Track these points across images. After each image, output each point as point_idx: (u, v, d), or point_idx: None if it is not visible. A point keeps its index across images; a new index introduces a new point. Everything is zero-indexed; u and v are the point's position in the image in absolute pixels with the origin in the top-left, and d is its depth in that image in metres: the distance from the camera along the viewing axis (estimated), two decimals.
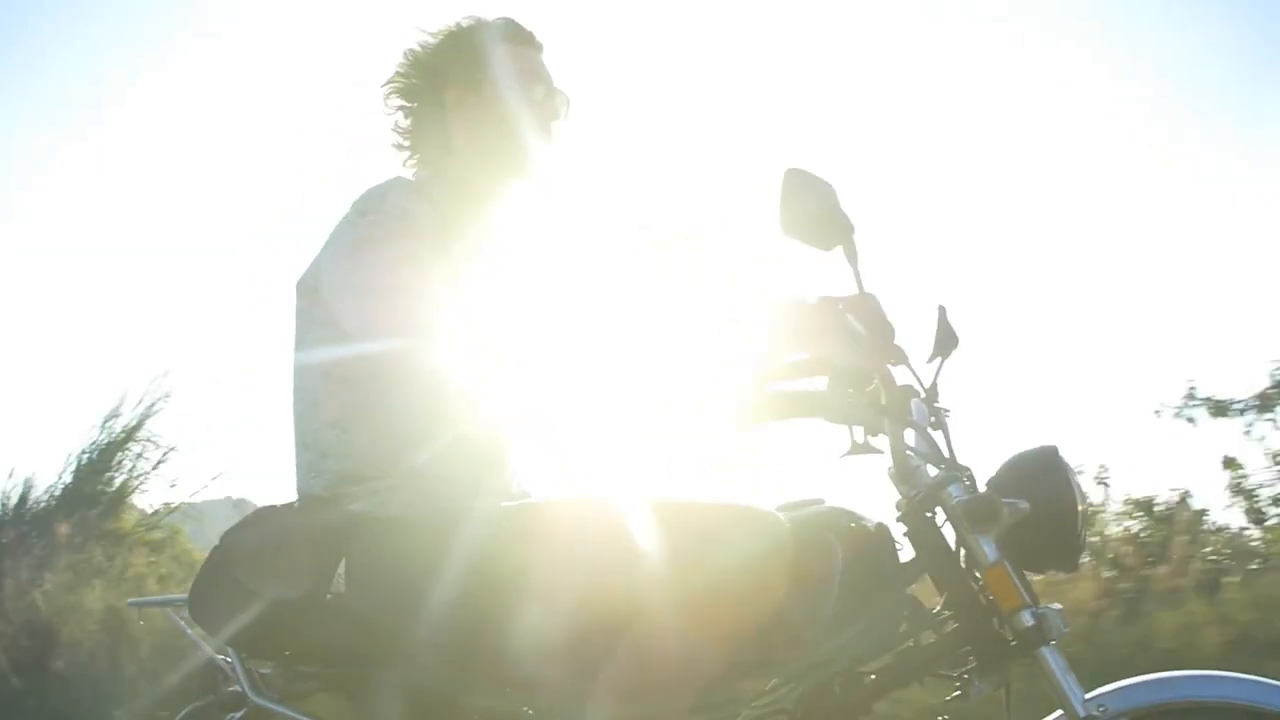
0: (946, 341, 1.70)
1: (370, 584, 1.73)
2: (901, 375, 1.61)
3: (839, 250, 1.55)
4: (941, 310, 1.69)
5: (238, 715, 1.92)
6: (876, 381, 1.59)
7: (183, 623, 2.02)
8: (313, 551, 1.77)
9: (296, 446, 1.86)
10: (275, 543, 1.76)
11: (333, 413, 1.81)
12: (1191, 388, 5.13)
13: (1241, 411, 4.92)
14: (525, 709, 1.69)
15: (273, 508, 1.82)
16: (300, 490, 1.85)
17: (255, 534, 1.78)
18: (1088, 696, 1.54)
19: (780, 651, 1.59)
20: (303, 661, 1.84)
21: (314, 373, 1.83)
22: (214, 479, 7.17)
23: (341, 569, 1.81)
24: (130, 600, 2.16)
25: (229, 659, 1.89)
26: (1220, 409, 4.94)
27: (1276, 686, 1.48)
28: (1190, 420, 5.02)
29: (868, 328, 1.53)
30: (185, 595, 2.06)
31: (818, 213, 1.53)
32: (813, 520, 1.62)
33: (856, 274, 1.56)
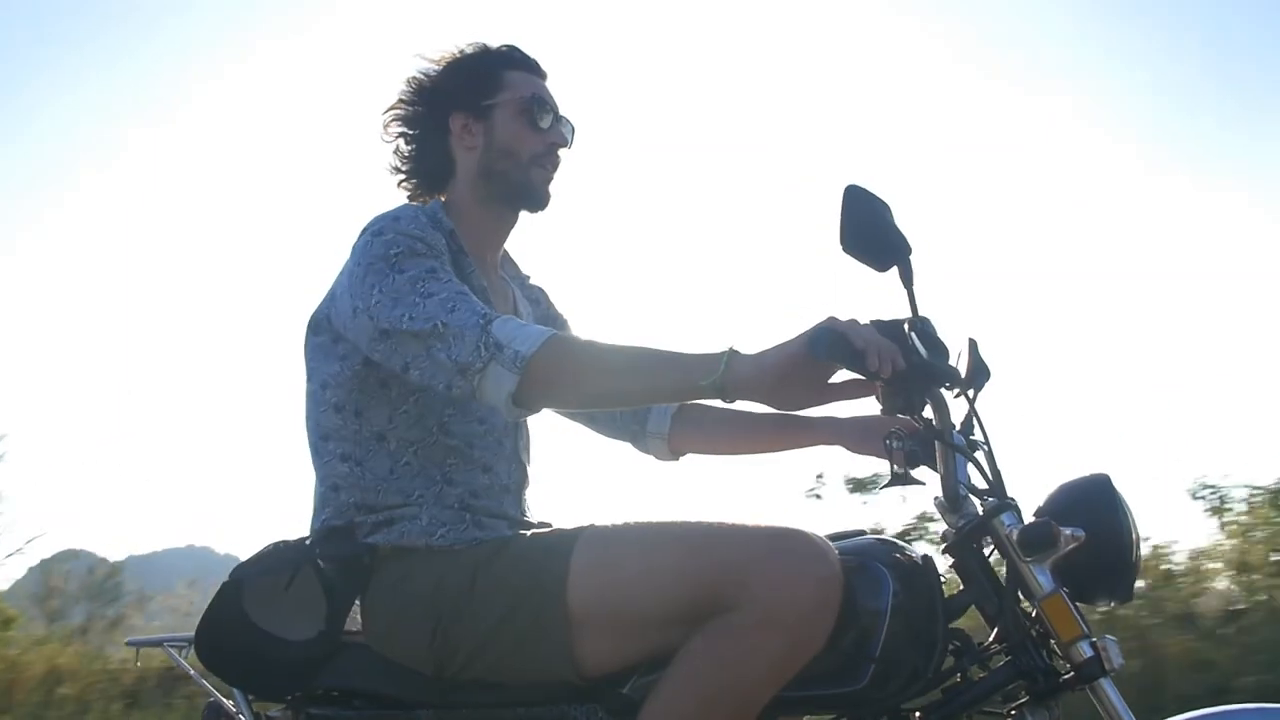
0: (979, 374, 1.68)
1: (397, 619, 1.66)
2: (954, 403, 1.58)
3: (894, 271, 1.53)
4: (972, 343, 1.67)
5: None
6: (926, 406, 1.56)
7: (185, 663, 1.92)
8: (327, 586, 1.71)
9: (315, 478, 1.80)
10: (287, 578, 1.69)
11: (345, 446, 1.74)
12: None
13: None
14: None
15: (285, 542, 1.75)
16: (314, 522, 1.78)
17: (266, 568, 1.71)
18: None
19: (827, 686, 1.54)
20: (316, 704, 1.76)
21: (325, 406, 1.76)
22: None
23: (356, 605, 1.75)
24: (129, 640, 2.04)
25: (235, 701, 1.80)
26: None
27: None
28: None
29: (924, 349, 1.50)
30: (188, 634, 1.97)
31: (875, 232, 1.51)
32: (862, 550, 1.58)
33: (911, 296, 1.53)
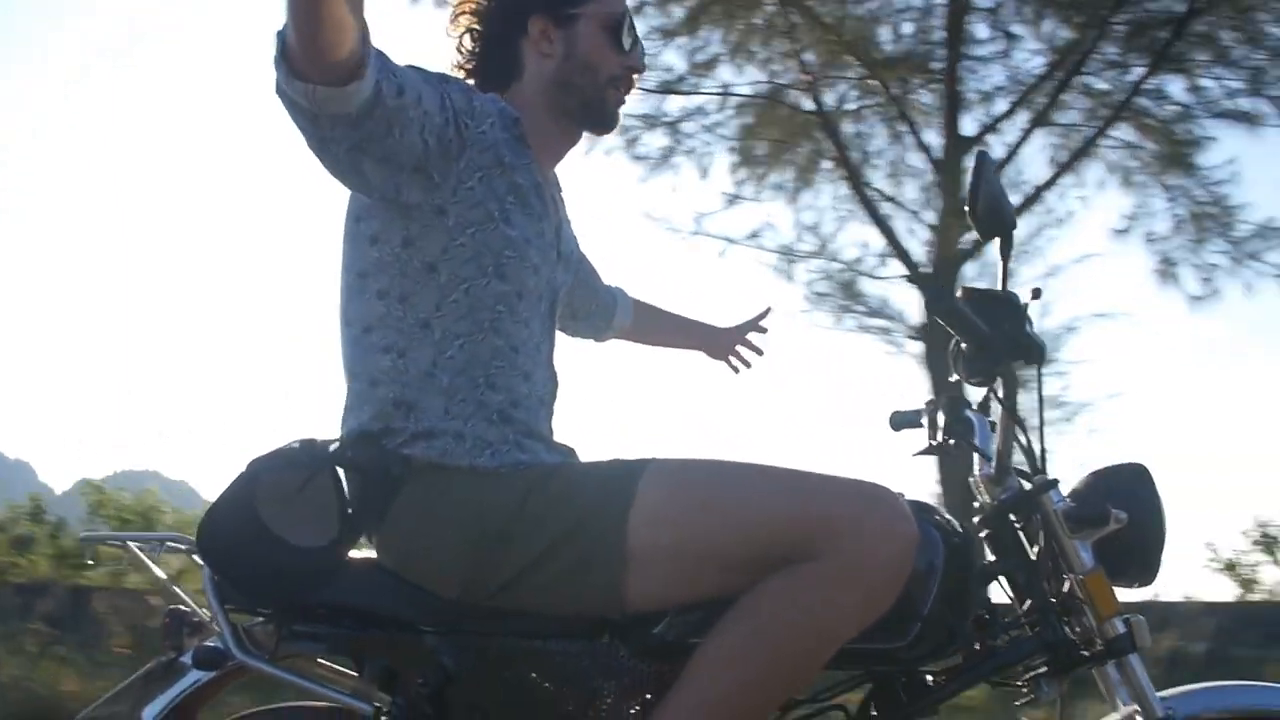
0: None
1: (429, 537, 1.57)
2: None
3: (996, 241, 1.55)
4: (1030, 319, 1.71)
5: (211, 675, 1.69)
6: (998, 379, 1.59)
7: (152, 564, 1.76)
8: (347, 494, 1.60)
9: (346, 379, 1.68)
10: (303, 478, 1.57)
11: (389, 336, 1.63)
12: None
13: None
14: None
15: (311, 440, 1.62)
16: (345, 425, 1.66)
17: (285, 464, 1.58)
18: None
19: (873, 640, 1.54)
20: (303, 619, 1.64)
21: (368, 295, 1.65)
22: None
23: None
24: (84, 535, 1.86)
25: (211, 608, 1.65)
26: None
27: None
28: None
29: (1006, 322, 1.53)
30: (153, 534, 1.82)
31: (992, 202, 1.52)
32: (915, 512, 1.59)
33: (1004, 269, 1.56)
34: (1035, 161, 8.73)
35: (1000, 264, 1.57)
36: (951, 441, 1.70)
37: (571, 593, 1.53)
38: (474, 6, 1.83)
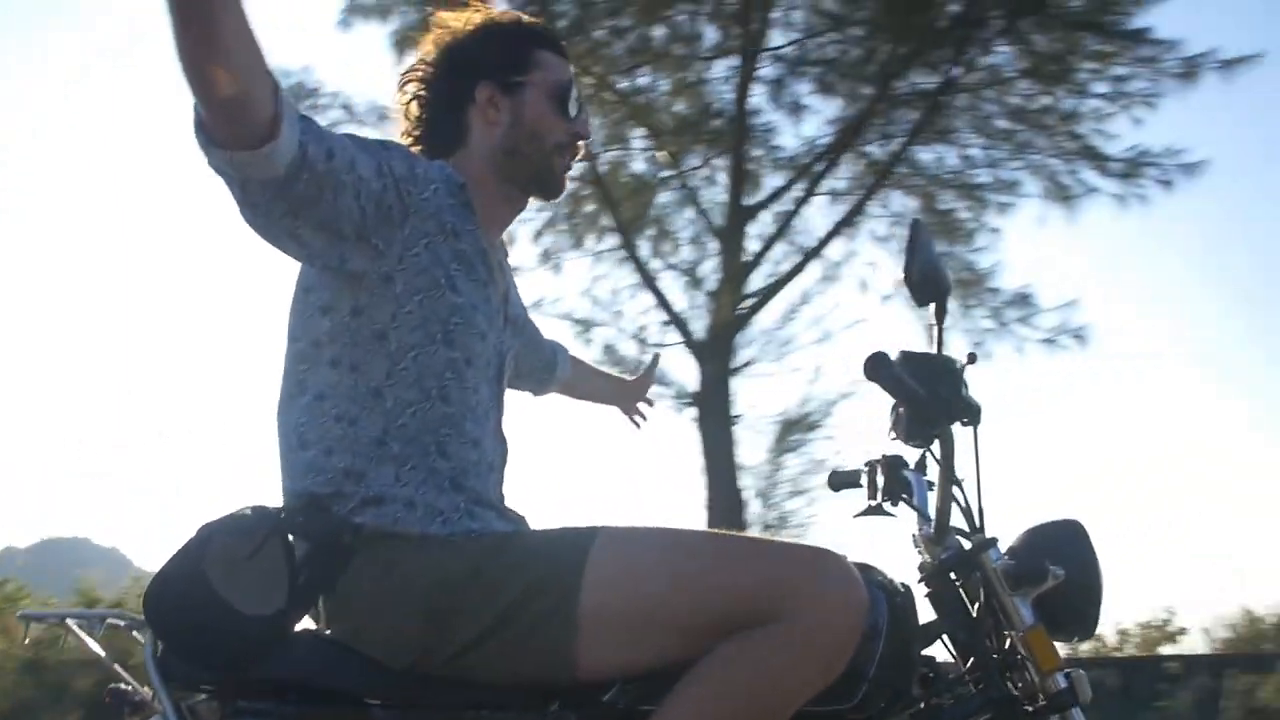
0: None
1: (382, 607, 1.56)
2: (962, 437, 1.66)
3: (932, 307, 1.60)
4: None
5: None
6: (935, 440, 1.63)
7: (93, 642, 1.72)
8: (296, 562, 1.58)
9: (290, 449, 1.67)
10: (253, 544, 1.55)
11: (341, 404, 1.63)
12: None
13: None
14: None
15: (262, 506, 1.61)
16: (291, 494, 1.65)
17: (236, 529, 1.56)
18: None
19: (821, 702, 1.56)
20: (246, 695, 1.62)
21: (320, 364, 1.65)
22: None
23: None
24: (22, 614, 1.81)
25: (152, 685, 1.62)
26: None
27: None
28: None
29: (943, 386, 1.58)
30: (94, 610, 1.79)
31: (928, 269, 1.57)
32: (860, 573, 1.61)
33: (940, 333, 1.61)
34: (814, 224, 9.20)
35: (936, 328, 1.61)
36: (890, 502, 1.73)
37: (524, 661, 1.53)
38: (421, 74, 1.85)
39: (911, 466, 1.81)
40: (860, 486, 1.89)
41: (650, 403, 2.56)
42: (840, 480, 1.95)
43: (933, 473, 1.76)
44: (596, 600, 1.51)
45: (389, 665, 1.57)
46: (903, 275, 1.58)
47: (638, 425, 2.54)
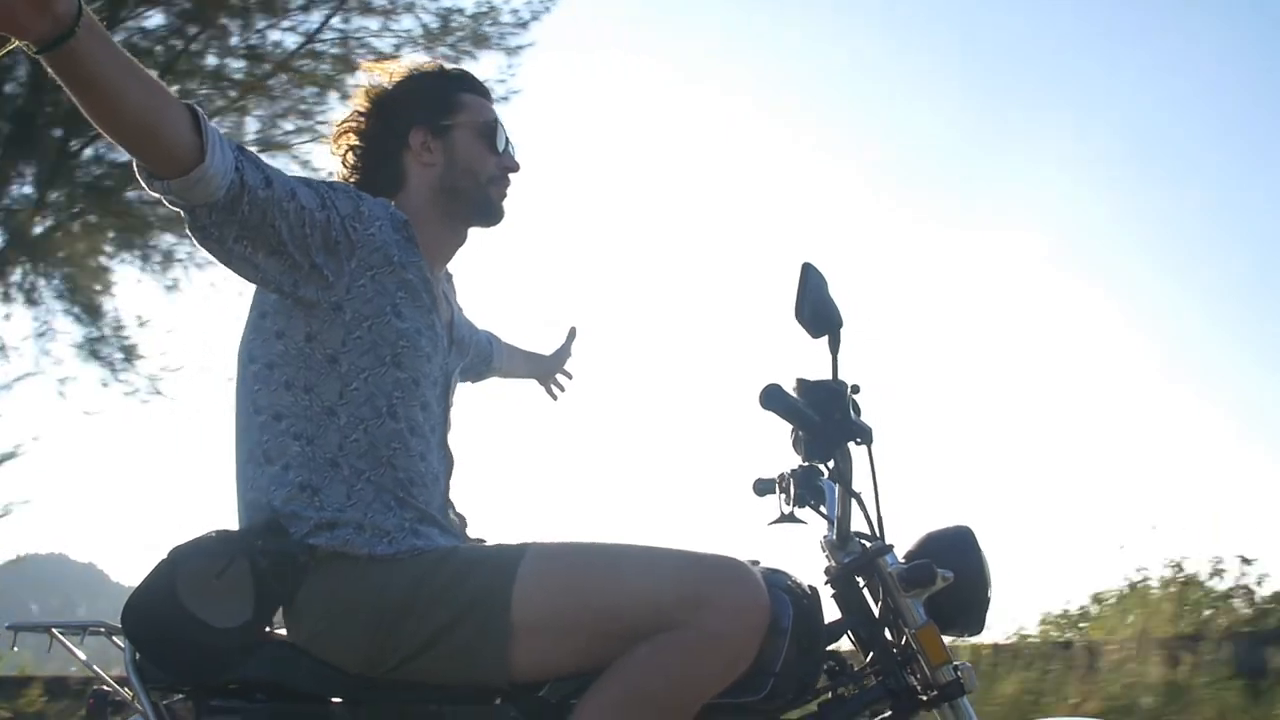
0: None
1: (333, 621, 1.73)
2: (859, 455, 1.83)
3: (825, 339, 1.77)
4: (852, 389, 1.93)
5: None
6: (833, 458, 1.80)
7: (77, 649, 1.90)
8: (260, 579, 1.74)
9: (250, 464, 1.82)
10: (222, 565, 1.71)
11: (298, 424, 1.79)
12: None
13: None
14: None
15: (225, 530, 1.78)
16: (253, 507, 1.81)
17: (203, 552, 1.73)
18: None
19: (731, 695, 1.72)
20: (218, 695, 1.79)
21: (275, 386, 1.80)
22: None
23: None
24: (9, 624, 1.98)
25: (132, 689, 1.80)
26: None
27: None
28: None
29: (835, 410, 1.75)
30: (76, 620, 1.96)
31: (818, 305, 1.74)
32: (765, 578, 1.78)
33: (836, 363, 1.78)
34: None
35: (831, 357, 1.78)
36: (800, 508, 1.90)
37: (463, 666, 1.70)
38: (355, 125, 2.01)
39: (825, 476, 1.98)
40: (793, 489, 2.06)
41: (569, 375, 2.75)
42: (763, 487, 2.13)
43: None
44: (524, 612, 1.68)
45: (344, 669, 1.74)
46: (795, 313, 1.75)
47: (554, 397, 2.74)
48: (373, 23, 8.97)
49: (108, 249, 9.38)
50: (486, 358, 2.48)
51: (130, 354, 9.39)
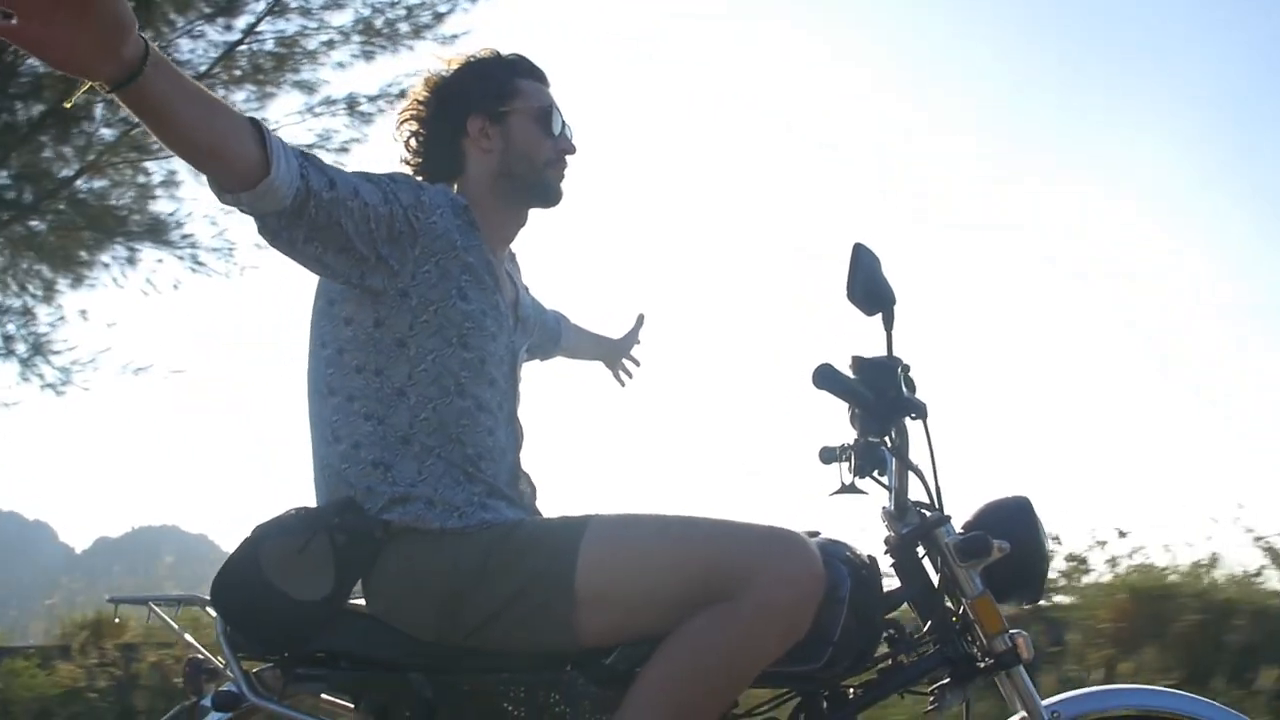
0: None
1: (407, 593, 1.82)
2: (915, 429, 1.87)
3: (879, 316, 1.80)
4: (905, 368, 1.96)
5: (228, 716, 1.94)
6: (891, 430, 1.84)
7: (171, 621, 2.01)
8: (339, 554, 1.83)
9: (323, 443, 1.91)
10: (303, 541, 1.80)
11: (369, 404, 1.87)
12: None
13: None
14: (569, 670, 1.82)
15: (305, 508, 1.87)
16: (328, 483, 1.90)
17: (284, 529, 1.82)
18: (1045, 704, 1.83)
19: (790, 664, 1.79)
20: (304, 664, 1.89)
21: (347, 370, 1.89)
22: None
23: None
24: (110, 596, 2.11)
25: (224, 658, 1.91)
26: None
27: (1215, 705, 1.81)
28: None
29: (889, 387, 1.79)
30: (172, 594, 2.07)
31: (871, 284, 1.78)
32: (825, 549, 1.83)
33: (890, 339, 1.81)
34: None
35: (886, 334, 1.82)
36: (859, 481, 1.94)
37: (530, 634, 1.78)
38: (415, 112, 2.09)
39: (889, 446, 2.01)
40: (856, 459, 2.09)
41: (637, 361, 2.79)
42: (830, 455, 2.16)
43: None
44: (588, 582, 1.75)
45: (419, 638, 1.83)
46: (846, 293, 1.79)
47: (622, 382, 2.79)
48: (310, 22, 9.01)
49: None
50: (555, 337, 2.54)
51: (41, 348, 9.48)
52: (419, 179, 1.99)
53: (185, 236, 9.24)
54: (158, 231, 9.19)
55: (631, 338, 2.77)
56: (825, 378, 1.71)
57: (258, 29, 8.81)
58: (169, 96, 1.47)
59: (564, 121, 2.08)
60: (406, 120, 2.10)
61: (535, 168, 2.04)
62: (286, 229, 1.70)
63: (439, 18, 9.03)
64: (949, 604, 1.89)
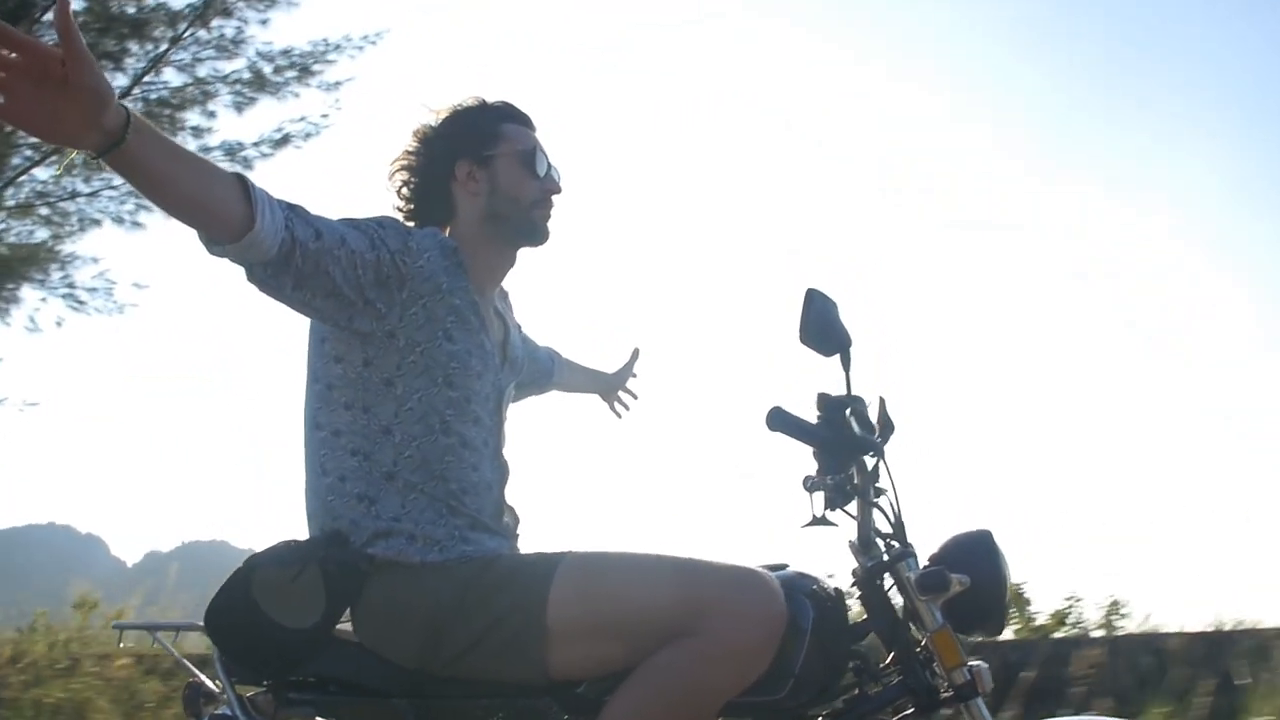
0: (885, 429, 2.01)
1: (391, 624, 1.90)
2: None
3: (837, 358, 1.86)
4: (881, 400, 2.01)
5: None
6: (852, 467, 1.90)
7: (171, 648, 2.11)
8: (328, 584, 1.92)
9: (313, 473, 2.00)
10: (295, 571, 1.88)
11: (355, 440, 1.96)
12: None
13: None
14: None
15: (295, 540, 1.96)
16: (317, 512, 1.99)
17: (277, 560, 1.91)
18: None
19: (752, 695, 1.84)
20: (296, 689, 1.98)
21: (335, 406, 1.98)
22: None
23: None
24: (115, 623, 2.22)
25: (219, 682, 2.00)
26: None
27: None
28: None
29: (855, 423, 1.85)
30: (171, 622, 2.17)
31: (825, 327, 1.84)
32: (789, 582, 1.89)
33: (848, 379, 1.87)
34: None
35: (844, 374, 1.87)
36: (829, 514, 1.99)
37: (505, 665, 1.86)
38: (405, 162, 2.18)
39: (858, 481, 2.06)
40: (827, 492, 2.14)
41: (634, 394, 2.87)
42: (812, 484, 2.21)
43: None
44: (558, 618, 1.82)
45: (402, 666, 1.91)
46: (800, 336, 1.85)
47: (618, 414, 2.88)
48: (196, 73, 9.49)
49: None
50: (548, 373, 2.63)
51: None
52: (407, 224, 2.07)
53: (64, 277, 9.77)
54: (33, 270, 9.69)
55: (626, 371, 2.84)
56: (777, 420, 1.77)
57: (145, 79, 9.29)
58: (153, 159, 1.57)
59: (549, 163, 2.16)
60: (398, 170, 2.19)
61: (522, 208, 2.12)
62: (274, 277, 1.79)
63: (323, 64, 9.68)
64: (915, 635, 1.94)
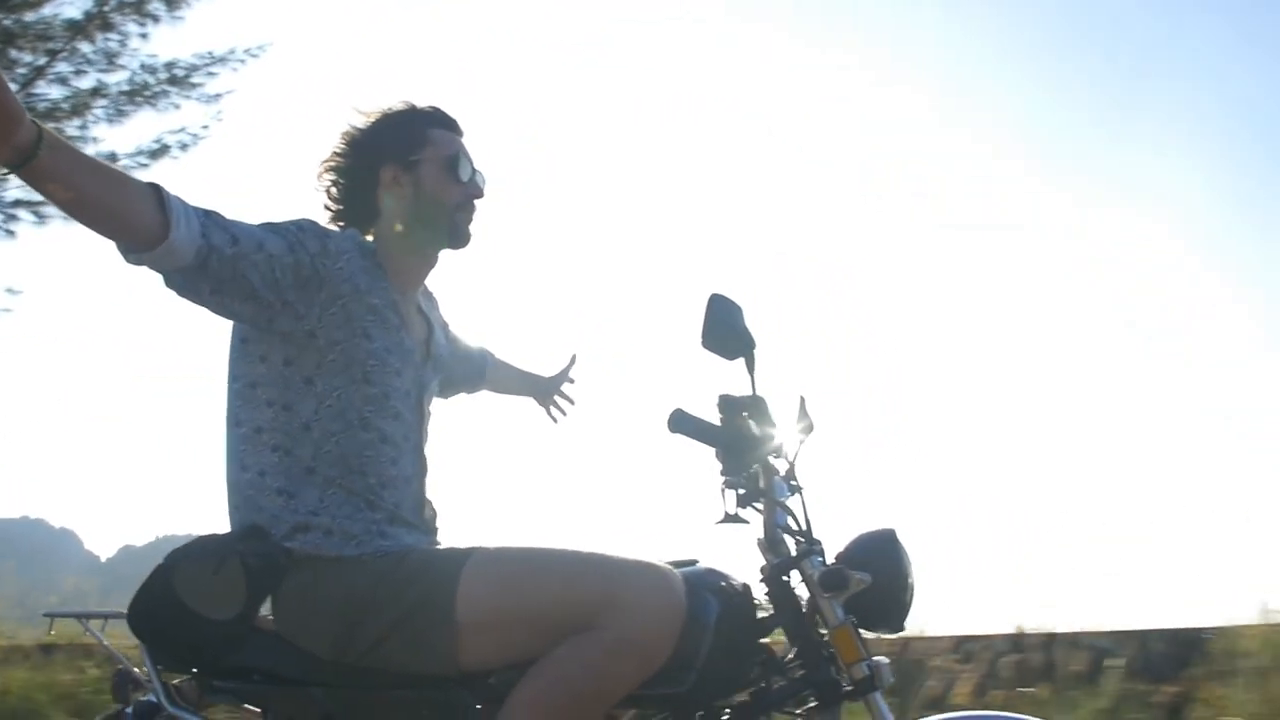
0: (805, 427, 2.07)
1: (307, 616, 1.95)
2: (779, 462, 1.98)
3: (741, 361, 1.92)
4: (801, 399, 2.06)
5: None
6: (756, 466, 1.95)
7: (100, 635, 2.16)
8: (248, 580, 1.95)
9: (234, 469, 2.05)
10: (215, 565, 1.93)
11: (276, 437, 2.00)
12: None
13: None
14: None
15: (215, 535, 2.01)
16: (238, 506, 2.04)
17: (197, 555, 1.96)
18: None
19: (656, 687, 1.89)
20: (219, 677, 2.02)
21: (257, 403, 2.02)
22: None
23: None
24: (46, 611, 2.26)
25: (146, 670, 2.05)
26: None
27: None
28: None
29: (756, 424, 1.90)
30: (100, 610, 2.22)
31: (728, 331, 1.89)
32: (694, 578, 1.94)
33: (753, 381, 1.92)
34: None
35: (749, 376, 1.93)
36: (740, 511, 2.04)
37: (416, 656, 1.91)
38: (334, 163, 2.23)
39: (778, 476, 2.12)
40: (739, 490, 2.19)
41: (570, 399, 2.88)
42: (726, 482, 2.26)
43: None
44: (467, 611, 1.88)
45: (318, 656, 1.96)
46: (701, 341, 1.90)
47: (554, 419, 2.88)
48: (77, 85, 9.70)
49: None
50: (479, 371, 2.68)
51: None
52: (326, 226, 2.12)
53: None
54: None
55: (563, 376, 2.87)
56: (678, 423, 1.82)
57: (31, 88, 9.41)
58: (66, 173, 1.63)
59: (474, 168, 2.21)
60: (326, 171, 2.24)
61: (445, 211, 2.16)
62: (191, 283, 1.84)
63: (205, 77, 10.04)
64: (819, 631, 1.99)
